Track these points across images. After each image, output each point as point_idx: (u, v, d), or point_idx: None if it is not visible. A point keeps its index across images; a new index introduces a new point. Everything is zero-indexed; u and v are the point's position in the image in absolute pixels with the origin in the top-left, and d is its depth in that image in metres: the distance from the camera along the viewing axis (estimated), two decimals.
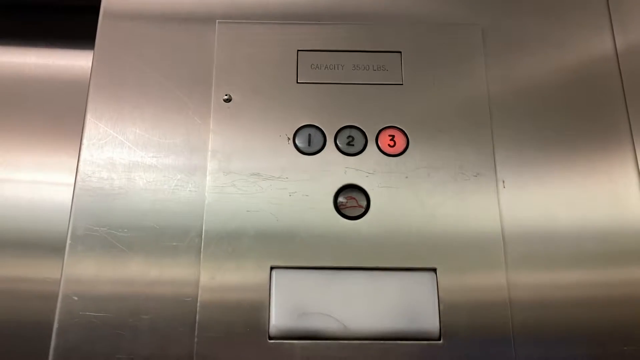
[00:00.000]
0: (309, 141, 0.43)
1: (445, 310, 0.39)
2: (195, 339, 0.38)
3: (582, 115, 0.44)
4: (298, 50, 0.45)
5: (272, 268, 0.39)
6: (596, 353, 0.39)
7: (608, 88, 0.45)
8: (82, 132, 0.43)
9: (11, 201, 0.46)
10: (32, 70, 0.53)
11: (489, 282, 0.39)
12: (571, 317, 0.39)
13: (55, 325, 0.38)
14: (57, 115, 0.51)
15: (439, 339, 0.38)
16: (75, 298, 0.38)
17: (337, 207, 0.41)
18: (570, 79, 0.45)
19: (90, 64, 0.45)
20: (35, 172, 0.48)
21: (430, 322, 0.38)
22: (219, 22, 0.45)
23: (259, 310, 0.38)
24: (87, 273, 0.39)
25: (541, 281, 0.40)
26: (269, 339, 0.38)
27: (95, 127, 0.43)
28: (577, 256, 0.40)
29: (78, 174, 0.42)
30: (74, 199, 0.41)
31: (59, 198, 0.46)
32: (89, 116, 0.43)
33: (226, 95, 0.44)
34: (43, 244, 0.44)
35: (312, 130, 0.43)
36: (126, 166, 0.42)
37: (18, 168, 0.48)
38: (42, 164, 0.48)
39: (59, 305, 0.38)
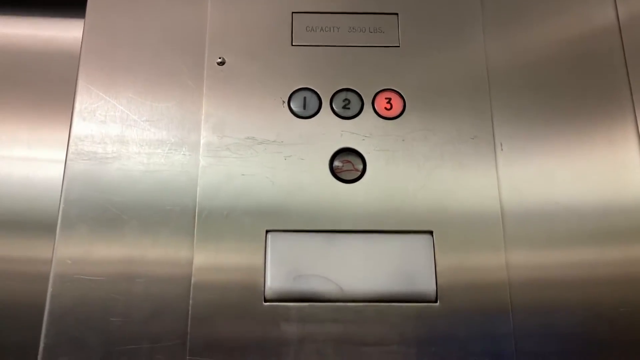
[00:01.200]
0: (304, 104, 0.42)
1: (441, 272, 0.38)
2: (191, 302, 0.37)
3: (583, 84, 0.43)
4: (292, 12, 0.44)
5: (267, 231, 0.39)
6: (593, 314, 0.38)
7: (610, 58, 0.44)
8: (74, 96, 0.42)
9: (3, 178, 0.45)
10: (24, 41, 0.52)
11: (485, 244, 0.39)
12: (568, 279, 0.39)
13: (50, 289, 0.37)
14: (51, 88, 0.50)
15: (436, 301, 0.38)
16: (69, 261, 0.38)
17: (333, 171, 0.41)
18: (571, 47, 0.44)
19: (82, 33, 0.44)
20: (28, 148, 0.47)
21: (426, 284, 0.38)
22: None
23: (255, 273, 0.38)
24: (80, 237, 0.39)
25: (538, 246, 0.40)
26: (265, 302, 0.37)
27: (88, 91, 0.42)
28: (575, 225, 0.40)
29: (70, 138, 0.41)
30: (67, 163, 0.40)
31: (52, 174, 0.45)
32: (80, 80, 0.42)
33: (220, 58, 0.43)
34: (37, 222, 0.44)
35: (307, 94, 0.42)
36: (119, 130, 0.41)
37: (10, 144, 0.47)
38: (36, 140, 0.47)
39: (52, 268, 0.38)
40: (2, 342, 0.41)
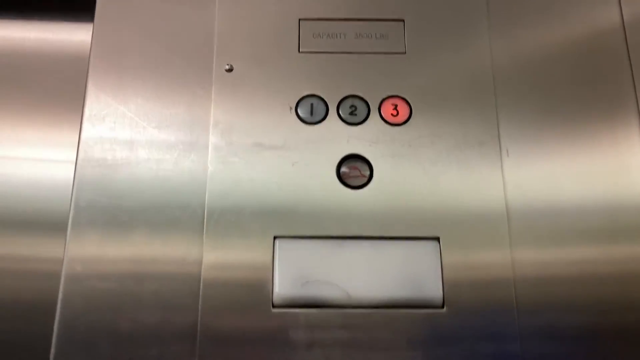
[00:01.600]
0: (311, 111, 0.42)
1: (448, 278, 0.39)
2: (200, 308, 0.38)
3: (588, 87, 0.43)
4: (299, 19, 0.44)
5: (275, 237, 0.39)
6: (598, 321, 0.39)
7: (614, 59, 0.44)
8: (83, 102, 0.43)
9: (11, 178, 0.46)
10: (32, 44, 0.52)
11: (492, 251, 0.39)
12: (575, 282, 0.39)
13: (60, 295, 0.38)
14: (59, 91, 0.50)
15: (442, 307, 0.38)
16: (79, 268, 0.38)
17: (340, 177, 0.41)
18: (576, 49, 0.44)
19: (90, 37, 0.44)
20: (36, 149, 0.47)
21: (433, 290, 0.38)
22: None
23: (263, 279, 0.38)
24: (90, 242, 0.39)
25: (545, 249, 0.40)
26: (273, 308, 0.38)
27: (97, 97, 0.43)
28: (580, 226, 0.40)
29: (80, 144, 0.42)
30: (77, 170, 0.41)
31: (60, 175, 0.45)
32: (90, 86, 0.43)
33: (228, 65, 0.43)
34: (45, 222, 0.44)
35: (314, 100, 0.43)
36: (128, 136, 0.42)
37: (19, 145, 0.47)
38: (44, 141, 0.48)
39: (63, 274, 0.38)
40: (13, 339, 0.42)
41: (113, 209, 0.40)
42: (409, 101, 0.43)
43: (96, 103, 0.42)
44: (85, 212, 0.40)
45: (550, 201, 0.41)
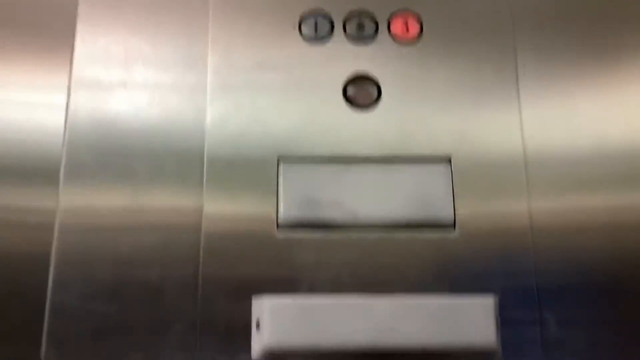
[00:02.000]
0: (316, 28, 0.40)
1: (459, 198, 0.37)
2: (202, 233, 0.36)
3: (612, 24, 0.41)
4: None
5: (279, 161, 0.38)
6: (618, 268, 0.37)
7: None
8: (75, 20, 0.40)
9: (1, 124, 0.43)
10: None
11: (505, 168, 0.38)
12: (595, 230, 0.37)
13: (55, 235, 0.36)
14: (50, 30, 0.47)
15: (453, 227, 0.37)
16: (74, 207, 0.37)
17: (347, 98, 0.39)
18: None
19: None
20: (27, 93, 0.45)
21: (444, 210, 0.37)
22: None
23: (267, 201, 0.37)
24: (85, 177, 0.37)
25: (561, 189, 0.38)
26: (278, 229, 0.36)
27: (89, 15, 0.40)
28: (600, 171, 0.38)
29: (72, 69, 0.40)
30: (70, 95, 0.39)
31: (53, 121, 0.43)
32: (82, 5, 0.41)
33: None
34: (38, 171, 0.42)
35: (318, 16, 0.40)
36: (123, 57, 0.40)
37: (8, 88, 0.45)
38: (35, 84, 0.45)
39: (58, 216, 0.36)
40: (10, 291, 0.40)
41: (108, 139, 0.38)
42: (421, 16, 0.40)
43: (88, 23, 0.40)
44: (79, 143, 0.38)
45: (568, 133, 0.39)
